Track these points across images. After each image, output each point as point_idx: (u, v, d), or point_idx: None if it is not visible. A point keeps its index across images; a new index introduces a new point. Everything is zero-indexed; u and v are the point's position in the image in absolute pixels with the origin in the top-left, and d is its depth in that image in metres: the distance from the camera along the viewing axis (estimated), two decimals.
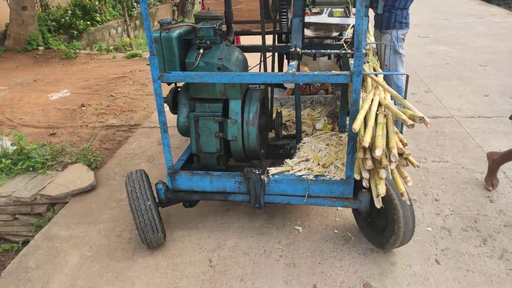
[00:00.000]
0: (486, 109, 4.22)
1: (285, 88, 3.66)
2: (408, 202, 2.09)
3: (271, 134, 2.84)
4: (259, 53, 3.18)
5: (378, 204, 1.90)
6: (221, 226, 2.66)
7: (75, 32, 8.21)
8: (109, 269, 2.39)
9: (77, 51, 7.50)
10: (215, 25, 2.33)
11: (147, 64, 2.27)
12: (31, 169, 3.45)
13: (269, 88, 2.72)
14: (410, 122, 1.73)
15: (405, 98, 2.04)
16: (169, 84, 2.50)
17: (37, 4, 8.07)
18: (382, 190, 1.82)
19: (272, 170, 2.33)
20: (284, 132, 2.96)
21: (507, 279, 2.14)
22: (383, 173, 1.83)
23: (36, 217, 3.22)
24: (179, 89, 2.64)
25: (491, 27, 8.15)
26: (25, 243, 3.23)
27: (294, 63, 2.21)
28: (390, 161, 1.81)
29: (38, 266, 2.46)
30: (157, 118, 4.50)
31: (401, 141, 1.92)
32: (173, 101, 2.62)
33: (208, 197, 2.46)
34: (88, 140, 4.02)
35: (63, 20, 8.20)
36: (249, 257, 2.39)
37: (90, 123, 4.50)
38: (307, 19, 2.55)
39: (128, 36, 8.78)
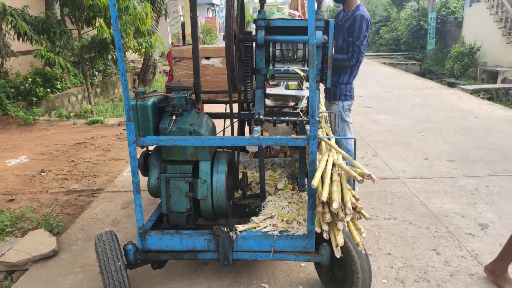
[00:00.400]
0: (426, 171, 4.69)
1: (247, 152, 3.91)
2: (363, 253, 2.30)
3: (237, 194, 3.02)
4: (223, 120, 3.47)
5: (338, 254, 2.09)
6: (189, 287, 2.70)
7: (35, 99, 8.22)
8: None
9: (36, 117, 7.49)
10: (186, 95, 2.59)
11: (123, 129, 2.44)
12: None
13: (235, 151, 2.94)
14: (360, 178, 2.01)
15: (354, 159, 2.34)
16: (142, 147, 2.66)
17: None
18: (340, 240, 2.03)
19: (240, 227, 2.48)
20: (248, 192, 3.15)
21: None
22: (340, 225, 2.06)
23: None
24: (150, 153, 2.79)
25: (426, 99, 9.14)
26: None
27: (258, 128, 2.48)
28: (345, 214, 2.04)
29: None
30: (120, 182, 4.59)
31: (354, 196, 2.17)
32: (144, 163, 2.76)
33: (177, 257, 2.53)
34: (49, 205, 3.97)
35: (22, 87, 8.23)
36: None
37: (51, 188, 4.46)
38: (268, 90, 2.88)
39: (90, 103, 8.89)
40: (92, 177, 4.79)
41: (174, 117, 2.48)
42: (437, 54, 17.50)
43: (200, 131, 2.46)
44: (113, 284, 2.30)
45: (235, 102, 2.90)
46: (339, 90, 3.47)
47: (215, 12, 33.91)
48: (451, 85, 12.82)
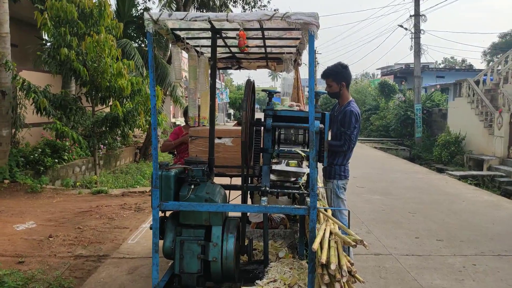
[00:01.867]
0: (417, 249, 4.96)
1: (250, 223, 4.22)
2: None
3: (243, 258, 3.28)
4: (229, 191, 3.84)
5: None
6: None
7: (42, 168, 8.59)
8: None
9: (43, 185, 7.79)
10: (203, 168, 3.00)
11: (149, 191, 2.80)
12: None
13: (243, 219, 3.27)
14: (353, 243, 2.34)
15: (348, 227, 2.69)
16: (163, 212, 3.00)
17: (9, 142, 8.55)
18: None
19: None
20: (253, 258, 3.41)
21: None
22: (337, 286, 2.34)
23: None
24: (166, 218, 3.11)
25: (415, 182, 9.63)
26: None
27: (264, 198, 2.86)
28: (342, 276, 2.33)
29: None
30: (125, 249, 4.81)
31: (349, 261, 2.48)
32: (160, 228, 3.06)
33: None
34: (57, 268, 4.14)
35: (32, 156, 8.65)
36: None
37: (59, 253, 4.64)
38: (274, 166, 3.31)
39: (95, 173, 9.26)
40: (98, 243, 4.99)
41: (192, 186, 2.86)
42: (425, 142, 18.47)
43: (214, 199, 2.83)
44: None
45: (246, 175, 3.32)
46: (333, 170, 3.87)
47: (215, 94, 35.89)
48: (440, 170, 13.44)
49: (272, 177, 3.52)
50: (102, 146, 11.10)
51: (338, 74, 3.79)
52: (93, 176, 9.23)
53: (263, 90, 3.18)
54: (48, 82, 8.78)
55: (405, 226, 5.88)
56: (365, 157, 14.41)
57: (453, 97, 20.87)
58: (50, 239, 5.08)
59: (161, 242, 2.96)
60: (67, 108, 8.31)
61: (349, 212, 2.80)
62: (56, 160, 9.06)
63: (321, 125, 2.93)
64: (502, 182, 11.16)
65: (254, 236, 3.96)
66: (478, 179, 11.44)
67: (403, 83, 26.16)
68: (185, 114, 4.75)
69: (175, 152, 4.90)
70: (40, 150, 8.88)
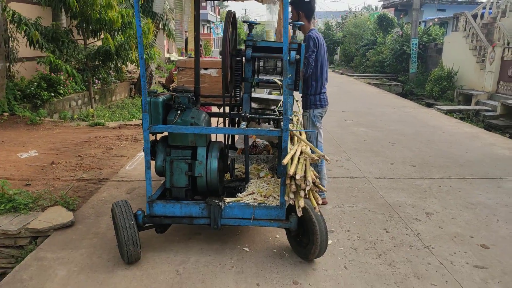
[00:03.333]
0: (390, 173, 5.43)
1: (237, 149, 4.61)
2: (321, 217, 2.99)
3: (227, 176, 3.71)
4: (216, 118, 4.17)
5: (299, 213, 2.78)
6: (185, 248, 3.36)
7: (39, 101, 8.85)
8: (94, 278, 2.97)
9: (42, 118, 8.11)
10: (189, 95, 3.29)
11: (141, 123, 3.12)
12: (12, 210, 3.96)
13: (226, 144, 3.64)
14: (316, 158, 2.73)
15: (316, 147, 3.06)
16: (153, 134, 3.34)
17: (5, 76, 8.70)
18: (301, 203, 2.72)
19: (227, 199, 3.17)
20: (235, 176, 3.83)
21: (392, 277, 3.03)
22: (302, 193, 2.76)
23: (17, 249, 3.68)
24: (157, 141, 3.47)
25: (401, 115, 9.99)
26: (3, 275, 3.65)
27: (244, 122, 3.19)
28: (306, 185, 2.74)
29: (31, 278, 2.97)
30: (124, 174, 5.24)
31: (314, 175, 2.88)
32: (152, 149, 3.43)
33: (177, 221, 3.19)
34: (62, 189, 4.59)
35: (28, 90, 8.86)
36: (208, 268, 3.09)
37: (62, 177, 5.08)
38: (253, 94, 3.60)
39: (91, 107, 9.53)
40: (98, 169, 5.42)
41: (179, 112, 3.18)
42: (419, 77, 18.58)
43: (199, 123, 3.16)
44: (127, 238, 2.95)
45: (227, 105, 3.63)
46: (308, 101, 4.16)
47: (210, 28, 35.01)
48: (429, 105, 13.75)
49: (254, 105, 3.84)
50: (96, 80, 11.26)
51: (297, 3, 3.92)
52: (89, 109, 9.52)
53: (243, 21, 3.37)
54: (38, 14, 8.72)
55: (383, 155, 6.33)
56: (357, 93, 14.64)
57: (451, 31, 20.58)
58: (53, 165, 5.50)
59: (153, 162, 3.35)
60: (59, 41, 8.37)
61: (317, 133, 3.15)
62: (52, 94, 9.29)
63: (297, 56, 3.18)
64: (486, 116, 11.55)
65: (239, 160, 4.37)
66: (464, 113, 11.81)
67: (402, 16, 25.53)
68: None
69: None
70: (36, 84, 9.08)
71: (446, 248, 3.46)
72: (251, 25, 3.29)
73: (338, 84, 16.93)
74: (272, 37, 4.99)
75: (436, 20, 23.34)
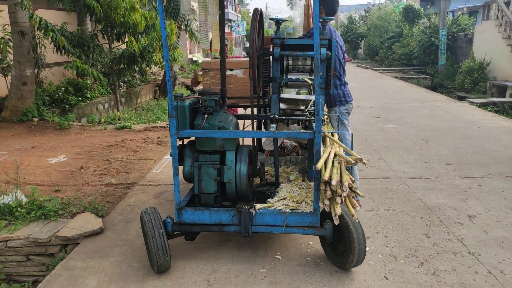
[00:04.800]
0: (426, 172, 5.17)
1: (264, 151, 4.47)
2: (359, 225, 2.82)
3: (256, 181, 3.57)
4: (243, 120, 4.04)
5: (336, 221, 2.62)
6: (215, 257, 3.25)
7: (67, 106, 8.99)
8: None
9: (71, 122, 8.22)
10: (216, 98, 3.18)
11: (167, 125, 3.03)
12: (43, 217, 3.96)
13: (254, 147, 3.50)
14: (353, 161, 2.55)
15: (351, 149, 2.88)
16: (180, 139, 3.25)
17: (34, 82, 8.87)
18: (338, 210, 2.56)
19: (258, 206, 3.04)
20: (265, 181, 3.69)
21: (436, 287, 2.83)
22: (338, 199, 2.59)
23: (48, 257, 3.67)
24: (184, 146, 3.37)
25: (433, 110, 9.60)
26: (35, 283, 3.66)
27: (273, 125, 3.05)
28: (343, 191, 2.57)
29: None
30: (151, 178, 5.20)
31: (351, 179, 2.71)
32: (179, 155, 3.33)
33: (207, 229, 3.09)
34: (91, 195, 4.58)
35: (56, 95, 9.01)
36: (239, 278, 2.97)
37: (91, 182, 5.08)
38: (282, 95, 3.45)
39: (118, 110, 9.60)
40: (125, 173, 5.41)
41: (206, 115, 3.07)
42: (448, 69, 17.91)
43: (227, 127, 3.04)
44: (156, 247, 2.86)
45: (255, 106, 3.49)
46: (333, 98, 3.97)
47: (232, 27, 34.95)
48: (461, 98, 13.20)
49: (282, 106, 3.69)
50: (122, 83, 11.36)
51: None
52: (116, 113, 9.59)
53: (270, 19, 3.22)
54: (63, 20, 8.84)
55: (417, 152, 6.05)
56: (384, 87, 14.23)
57: (481, 20, 19.73)
58: (82, 170, 5.52)
59: (181, 168, 3.25)
60: (85, 46, 8.45)
61: (352, 135, 2.97)
62: (80, 98, 9.42)
63: (328, 52, 3.00)
64: None
65: (268, 162, 4.22)
66: (499, 106, 11.26)
67: (428, 7, 24.70)
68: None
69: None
70: (63, 89, 9.22)
71: (494, 255, 3.21)
72: (278, 22, 3.14)
73: (363, 79, 16.51)
74: (299, 34, 4.80)
75: (465, 9, 22.44)
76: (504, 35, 13.88)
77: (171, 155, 3.03)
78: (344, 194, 2.57)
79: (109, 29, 8.80)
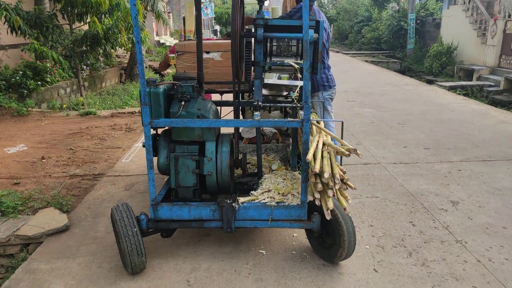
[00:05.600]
0: (405, 157, 5.11)
1: (243, 139, 4.24)
2: (349, 218, 2.66)
3: (237, 172, 3.35)
4: (219, 107, 3.77)
5: (328, 216, 2.45)
6: (195, 253, 3.02)
7: (25, 91, 8.34)
8: None
9: (29, 108, 7.64)
10: (193, 83, 2.90)
11: (138, 112, 2.73)
12: (0, 214, 3.59)
13: (236, 134, 3.26)
14: (347, 153, 2.37)
15: (342, 138, 2.70)
16: (154, 129, 2.96)
17: None
18: (330, 205, 2.39)
19: (241, 199, 2.82)
20: (247, 171, 3.47)
21: (428, 279, 2.74)
22: (330, 193, 2.41)
23: (8, 258, 3.32)
24: (158, 136, 3.08)
25: (405, 94, 9.64)
26: None
27: (257, 113, 2.81)
28: (335, 183, 2.40)
29: None
30: (120, 167, 4.87)
31: (341, 170, 2.54)
32: (153, 145, 3.05)
33: (185, 225, 2.85)
34: (54, 188, 4.21)
35: (13, 79, 8.33)
36: (222, 276, 2.77)
37: (53, 173, 4.69)
38: (266, 80, 3.20)
39: (81, 95, 9.04)
40: (92, 163, 5.04)
41: (183, 103, 2.79)
42: (417, 53, 18.15)
43: (206, 115, 2.78)
44: (130, 247, 2.60)
45: (238, 91, 3.24)
46: (316, 82, 3.80)
47: (200, 9, 33.97)
48: (430, 82, 13.41)
49: (264, 91, 3.45)
50: (85, 67, 10.70)
51: None
52: (79, 98, 9.03)
53: None
54: None
55: (394, 137, 6.00)
56: (355, 71, 14.23)
57: (447, 5, 20.06)
58: (43, 160, 5.10)
59: (155, 159, 2.98)
60: (43, 27, 7.81)
61: (342, 123, 2.79)
62: (39, 83, 8.77)
63: (315, 34, 2.78)
64: (490, 91, 11.23)
65: (248, 151, 4.01)
66: (467, 89, 11.49)
67: None
68: None
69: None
70: (21, 72, 8.54)
71: (481, 242, 3.16)
72: (261, 0, 2.87)
73: (334, 63, 16.36)
74: (278, 15, 4.54)
75: None
76: (471, 20, 14.11)
77: (143, 146, 2.75)
78: (337, 187, 2.39)
79: (69, 8, 8.18)
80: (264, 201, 2.82)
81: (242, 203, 2.79)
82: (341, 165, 2.75)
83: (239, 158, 3.10)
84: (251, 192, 2.95)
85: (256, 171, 3.40)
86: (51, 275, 2.82)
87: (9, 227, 3.38)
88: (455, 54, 14.73)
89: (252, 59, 2.95)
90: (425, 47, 18.06)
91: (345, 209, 2.42)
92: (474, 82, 12.19)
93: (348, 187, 2.55)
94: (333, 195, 2.43)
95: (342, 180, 2.47)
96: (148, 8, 13.04)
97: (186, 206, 2.78)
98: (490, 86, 11.65)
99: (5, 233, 3.29)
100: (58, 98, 9.43)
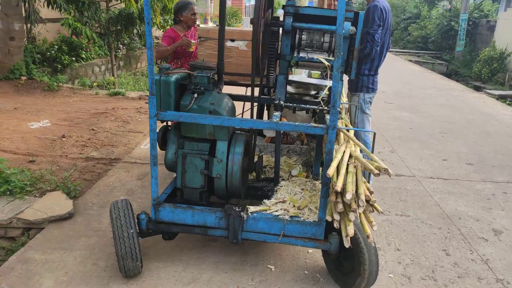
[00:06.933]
0: (444, 172, 4.63)
1: (264, 136, 3.92)
2: (373, 245, 2.31)
3: (251, 176, 3.05)
4: (242, 102, 3.47)
5: (347, 244, 2.11)
6: (197, 261, 2.77)
7: (59, 66, 8.38)
8: None
9: (60, 84, 7.63)
10: (209, 74, 2.60)
11: (145, 102, 2.48)
12: (8, 193, 3.47)
13: (253, 135, 2.95)
14: (376, 171, 2.01)
15: (372, 152, 2.33)
16: (162, 122, 2.70)
17: (24, 37, 8.21)
18: (351, 231, 2.04)
19: (251, 208, 2.52)
20: (262, 176, 3.17)
21: None
22: (352, 216, 2.07)
23: (8, 241, 3.20)
24: (169, 128, 2.83)
25: (449, 99, 8.96)
26: None
27: (277, 113, 2.49)
28: (358, 206, 2.05)
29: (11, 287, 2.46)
30: (138, 154, 4.68)
31: (368, 189, 2.18)
32: (163, 138, 2.79)
33: (188, 230, 2.59)
34: (68, 169, 4.08)
35: (48, 53, 8.37)
36: None
37: (70, 154, 4.57)
38: (290, 77, 2.87)
39: (113, 74, 8.99)
40: (110, 146, 4.89)
41: (195, 95, 2.51)
42: (466, 56, 17.03)
43: (220, 111, 2.49)
44: (124, 250, 2.37)
45: (257, 86, 2.92)
46: (361, 82, 3.46)
47: None
48: (477, 88, 12.51)
49: (290, 89, 3.11)
50: (121, 46, 10.66)
51: None
52: (110, 77, 8.97)
53: None
54: None
55: (433, 147, 5.49)
56: (397, 71, 13.50)
57: (505, 7, 18.67)
58: (63, 139, 5.00)
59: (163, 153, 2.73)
60: (79, 2, 7.73)
61: (374, 134, 2.42)
62: (74, 59, 8.79)
63: (352, 28, 2.41)
64: None
65: (268, 150, 3.69)
66: None
67: None
68: (177, 11, 3.94)
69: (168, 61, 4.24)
70: (56, 47, 8.58)
71: None
72: None
73: None
74: (306, 3, 4.14)
75: None
76: None
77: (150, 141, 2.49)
78: (360, 210, 2.04)
79: None
80: (276, 213, 2.51)
81: (251, 212, 2.49)
82: (369, 182, 2.39)
83: (255, 161, 2.79)
84: (264, 200, 2.64)
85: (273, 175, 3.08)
86: (44, 267, 2.65)
87: (12, 209, 3.25)
88: (508, 61, 13.64)
89: (278, 52, 2.61)
90: (475, 50, 16.90)
91: (368, 236, 2.07)
92: None
93: (374, 210, 2.19)
94: (356, 219, 2.08)
95: (368, 201, 2.11)
96: None
97: (189, 210, 2.51)
98: None
99: (8, 215, 3.16)
100: (92, 75, 9.44)
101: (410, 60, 17.56)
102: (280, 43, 2.58)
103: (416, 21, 22.55)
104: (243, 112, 3.59)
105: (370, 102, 3.68)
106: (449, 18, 18.52)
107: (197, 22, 4.07)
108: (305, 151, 3.68)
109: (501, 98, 10.33)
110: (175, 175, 2.92)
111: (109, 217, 2.57)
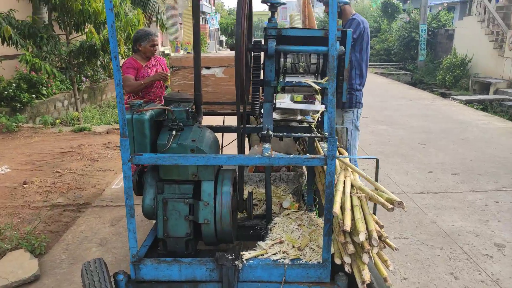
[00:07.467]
0: (432, 185, 4.50)
1: (247, 166, 3.67)
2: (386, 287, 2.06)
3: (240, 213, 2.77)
4: (221, 133, 3.18)
5: None
6: None
7: (18, 105, 7.86)
8: None
9: (20, 124, 7.13)
10: (187, 108, 2.34)
11: (117, 146, 2.18)
12: None
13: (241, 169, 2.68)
14: (389, 205, 1.78)
15: (376, 180, 2.12)
16: (137, 166, 2.40)
17: None
18: (367, 276, 1.79)
19: (246, 254, 2.23)
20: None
21: None
22: (365, 258, 1.82)
23: None
24: (145, 170, 2.52)
25: (421, 109, 9.04)
26: None
27: (267, 145, 2.24)
28: (371, 245, 1.80)
29: None
30: (109, 195, 4.30)
31: (377, 223, 1.95)
32: (138, 182, 2.48)
33: (175, 287, 2.26)
34: (31, 221, 3.65)
35: (6, 92, 7.86)
36: None
37: (33, 202, 4.13)
38: (278, 104, 2.64)
39: (77, 109, 8.54)
40: (78, 189, 4.47)
41: (174, 133, 2.23)
42: (428, 65, 17.58)
43: (203, 148, 2.21)
44: None
45: (233, 114, 2.67)
46: (354, 97, 3.39)
47: (206, 20, 33.77)
48: (443, 95, 12.83)
49: (275, 115, 2.88)
50: (84, 78, 10.23)
51: None
52: (74, 113, 8.51)
53: (263, 2, 2.37)
54: (12, 7, 7.67)
55: (416, 160, 5.39)
56: (366, 84, 13.65)
57: (459, 16, 19.55)
58: (25, 186, 4.55)
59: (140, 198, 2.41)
60: (37, 37, 7.32)
61: (377, 160, 2.21)
62: (34, 96, 8.29)
63: (341, 48, 2.22)
64: (511, 106, 10.59)
65: (253, 181, 3.43)
66: (485, 103, 10.86)
67: (408, 1, 24.43)
68: (137, 40, 3.82)
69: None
70: (14, 85, 8.07)
71: None
72: (273, 5, 2.31)
73: None
74: (299, 23, 4.01)
75: (445, 4, 22.27)
76: (486, 31, 13.53)
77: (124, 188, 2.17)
78: (375, 250, 1.80)
79: (66, 17, 7.71)
80: (275, 257, 2.22)
81: (247, 259, 2.20)
82: (374, 213, 2.16)
83: (244, 198, 2.51)
84: (258, 243, 2.36)
85: (264, 209, 2.81)
86: None
87: None
88: (470, 67, 14.12)
89: (262, 77, 2.38)
90: (436, 58, 17.49)
91: (385, 280, 1.82)
92: (492, 96, 11.56)
93: (386, 246, 1.96)
94: (370, 260, 1.84)
95: (379, 237, 1.88)
96: (153, 19, 12.59)
97: (176, 264, 2.19)
98: (509, 100, 11.01)
99: None
100: (54, 111, 8.94)
101: (376, 73, 17.94)
102: (263, 68, 2.35)
103: (377, 34, 23.23)
104: (222, 146, 3.27)
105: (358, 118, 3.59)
106: (409, 30, 19.17)
107: (155, 54, 3.90)
108: (292, 177, 3.45)
109: (468, 103, 10.58)
110: (154, 223, 2.60)
111: (81, 282, 2.21)
